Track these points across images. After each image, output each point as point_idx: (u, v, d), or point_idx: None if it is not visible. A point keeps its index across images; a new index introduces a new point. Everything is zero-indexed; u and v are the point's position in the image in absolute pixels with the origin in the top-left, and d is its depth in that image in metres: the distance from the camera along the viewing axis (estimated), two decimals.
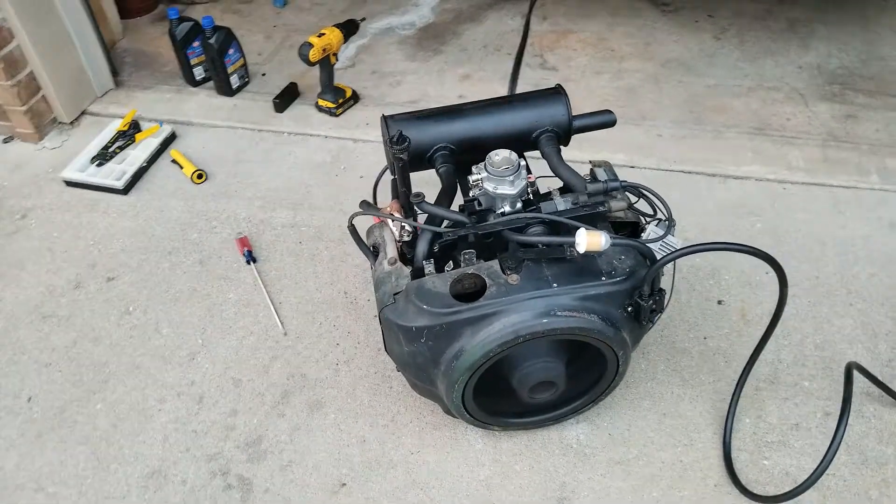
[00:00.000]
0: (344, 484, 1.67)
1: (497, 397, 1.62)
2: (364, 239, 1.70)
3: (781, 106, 2.60)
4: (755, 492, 1.58)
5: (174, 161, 2.50)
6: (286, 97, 2.69)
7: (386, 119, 1.70)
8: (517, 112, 1.73)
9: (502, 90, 2.72)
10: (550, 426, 1.73)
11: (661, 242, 1.54)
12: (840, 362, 1.81)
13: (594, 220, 1.54)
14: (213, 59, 2.67)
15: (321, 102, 2.64)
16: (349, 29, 2.58)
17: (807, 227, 2.15)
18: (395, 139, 1.56)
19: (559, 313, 1.44)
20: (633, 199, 1.64)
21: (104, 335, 2.00)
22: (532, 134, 1.72)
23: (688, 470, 1.65)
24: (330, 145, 2.57)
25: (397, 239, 1.62)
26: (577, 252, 1.39)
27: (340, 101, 2.63)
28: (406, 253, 1.62)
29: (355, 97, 2.70)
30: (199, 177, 2.43)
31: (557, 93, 1.75)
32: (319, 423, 1.78)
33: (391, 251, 1.60)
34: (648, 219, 1.61)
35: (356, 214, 1.63)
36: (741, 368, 1.78)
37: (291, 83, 2.75)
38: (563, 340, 1.53)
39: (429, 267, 1.54)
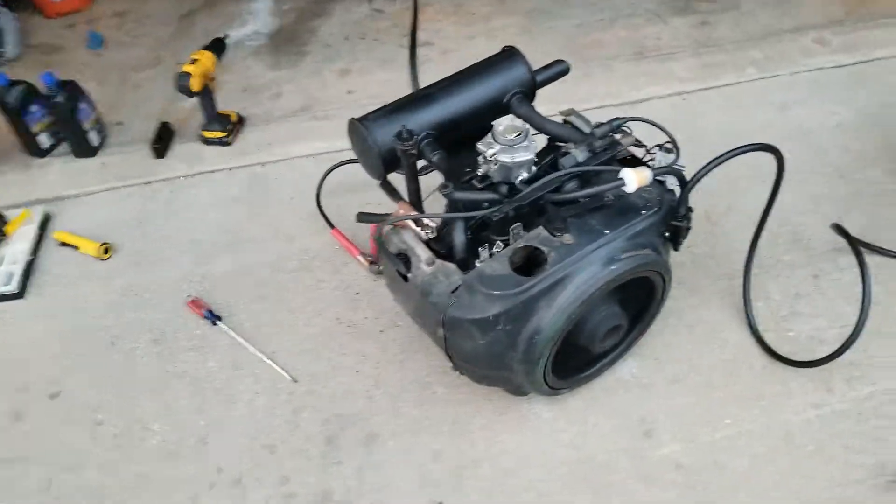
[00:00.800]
0: (440, 502, 1.57)
1: (565, 359, 1.61)
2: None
3: (645, 29, 2.78)
4: (799, 360, 1.73)
5: (64, 244, 2.14)
6: (164, 140, 2.41)
7: (359, 122, 1.59)
8: (484, 82, 1.69)
9: (389, 76, 2.64)
10: (605, 372, 1.76)
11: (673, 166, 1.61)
12: (800, 232, 2.01)
13: (614, 161, 1.57)
14: (64, 120, 2.31)
15: (208, 134, 2.40)
16: (219, 49, 2.36)
17: (717, 127, 2.33)
18: (403, 136, 1.47)
19: (621, 256, 1.46)
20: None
21: (83, 459, 1.69)
22: (503, 99, 1.70)
23: (734, 365, 1.75)
24: (237, 176, 2.34)
25: (424, 238, 1.53)
26: (628, 192, 1.41)
27: (229, 127, 2.41)
28: (438, 249, 1.54)
29: (241, 120, 2.49)
30: (106, 251, 2.11)
31: (513, 55, 1.74)
32: (382, 455, 1.65)
33: (423, 252, 1.51)
34: (652, 146, 1.66)
35: (382, 224, 1.52)
36: (729, 264, 1.93)
37: (163, 123, 2.46)
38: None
39: (484, 253, 1.47)
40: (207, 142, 2.41)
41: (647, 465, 1.59)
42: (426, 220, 1.51)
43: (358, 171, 2.21)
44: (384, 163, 1.59)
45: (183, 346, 1.89)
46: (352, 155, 2.25)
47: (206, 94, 2.30)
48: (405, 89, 2.57)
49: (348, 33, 2.91)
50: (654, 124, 1.61)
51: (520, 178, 1.52)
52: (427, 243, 1.53)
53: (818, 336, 1.79)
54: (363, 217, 1.67)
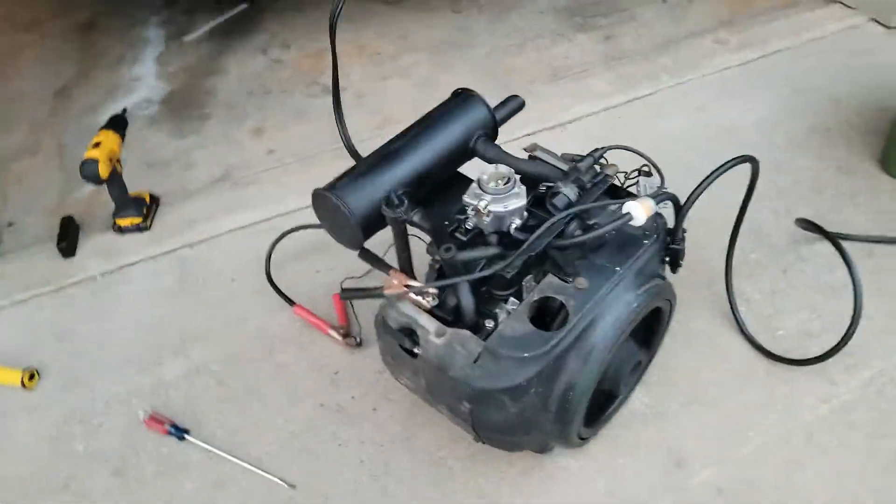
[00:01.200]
0: None
1: (591, 406, 1.52)
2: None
3: (554, 49, 2.79)
4: (798, 358, 1.73)
5: None
6: (70, 236, 2.11)
7: (327, 192, 1.44)
8: (447, 129, 1.60)
9: (307, 129, 2.48)
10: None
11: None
12: (758, 229, 2.04)
13: (608, 194, 1.51)
14: None
15: (122, 222, 2.13)
16: (120, 126, 2.11)
17: (649, 136, 2.35)
18: (393, 203, 1.34)
19: (639, 292, 1.40)
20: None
21: None
22: (468, 143, 1.61)
23: (739, 375, 1.73)
24: (165, 264, 2.09)
25: (427, 307, 1.40)
26: (637, 225, 1.36)
27: (145, 210, 2.16)
28: (443, 316, 1.41)
29: (155, 200, 2.24)
30: (31, 378, 1.81)
31: (471, 97, 1.65)
32: None
33: (430, 323, 1.37)
34: (632, 171, 1.61)
35: (386, 299, 1.37)
36: (706, 272, 1.93)
37: (64, 218, 2.17)
38: None
39: (501, 313, 1.36)
40: (122, 230, 2.15)
41: (690, 496, 1.53)
42: (429, 288, 1.38)
43: (302, 237, 2.07)
44: (364, 231, 1.46)
45: (150, 472, 1.64)
46: (295, 220, 2.11)
47: (114, 179, 2.05)
48: (330, 142, 2.44)
49: (250, 88, 2.72)
50: (636, 152, 1.56)
51: (513, 225, 1.43)
52: (430, 311, 1.41)
53: (805, 330, 1.81)
54: (349, 294, 1.52)
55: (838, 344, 1.65)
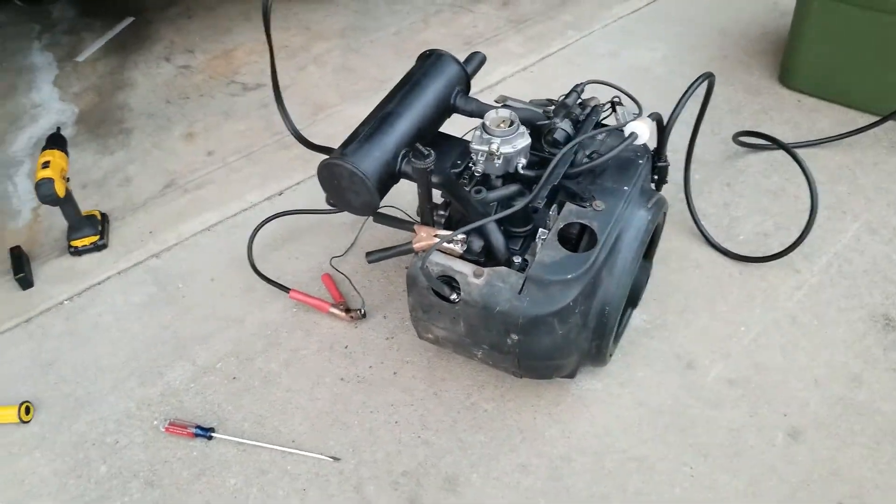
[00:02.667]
0: None
1: None
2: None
3: (459, 20, 2.89)
4: (764, 255, 1.91)
5: None
6: (24, 267, 1.96)
7: (338, 160, 1.46)
8: (431, 87, 1.67)
9: (241, 126, 2.45)
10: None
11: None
12: (696, 151, 2.21)
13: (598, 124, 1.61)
14: None
15: (78, 243, 2.01)
16: (62, 144, 1.99)
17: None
18: (423, 154, 1.37)
19: (648, 206, 1.51)
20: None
21: None
22: (450, 100, 1.68)
23: (718, 279, 1.89)
24: (135, 277, 2.00)
25: (458, 253, 1.44)
26: (642, 142, 1.47)
27: (100, 228, 2.05)
28: (474, 260, 1.46)
29: (105, 217, 2.12)
30: (28, 411, 1.69)
31: (442, 56, 1.72)
32: (473, 492, 1.53)
33: (466, 267, 1.43)
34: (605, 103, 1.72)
35: (422, 258, 1.40)
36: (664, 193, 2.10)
37: (12, 248, 2.01)
38: None
39: (539, 243, 1.43)
40: (80, 251, 2.02)
41: (707, 392, 1.67)
42: (458, 235, 1.43)
43: (270, 229, 2.05)
44: (380, 193, 1.49)
45: (186, 476, 1.58)
46: (261, 212, 2.10)
47: (68, 198, 1.94)
48: (268, 134, 2.42)
49: (166, 97, 2.62)
50: (610, 84, 1.67)
51: (519, 165, 1.51)
52: (461, 258, 1.45)
53: (762, 231, 2.01)
54: (375, 256, 1.53)
55: (800, 236, 1.85)
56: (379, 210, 1.57)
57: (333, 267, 1.96)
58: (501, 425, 1.64)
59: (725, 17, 2.80)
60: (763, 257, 1.91)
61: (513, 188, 1.45)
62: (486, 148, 1.45)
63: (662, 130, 1.62)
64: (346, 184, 1.49)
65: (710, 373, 1.71)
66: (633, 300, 1.62)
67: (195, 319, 1.89)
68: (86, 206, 2.15)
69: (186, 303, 1.93)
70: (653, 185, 1.70)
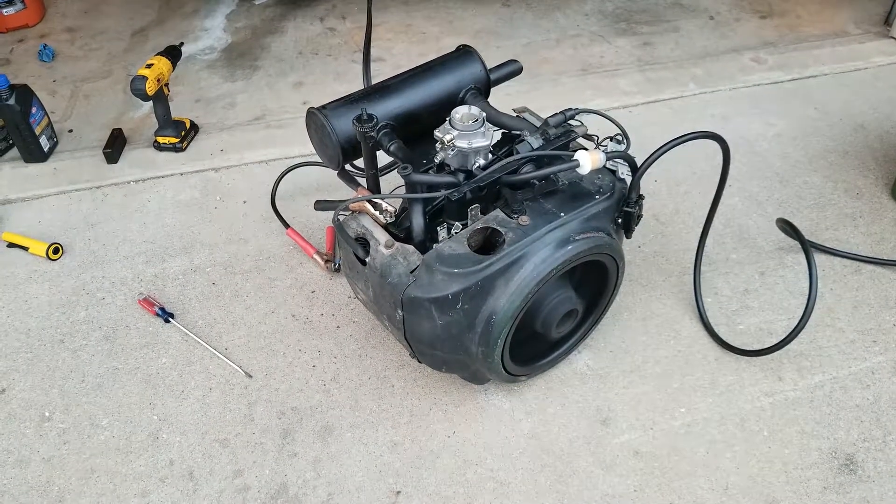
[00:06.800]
0: (398, 491, 1.54)
1: (523, 345, 1.62)
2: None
3: (591, 48, 2.90)
4: (751, 349, 1.77)
5: (12, 245, 2.08)
6: (116, 146, 2.37)
7: (317, 111, 1.61)
8: (439, 77, 1.74)
9: (343, 88, 2.65)
10: (560, 363, 1.76)
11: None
12: (746, 232, 2.09)
13: (568, 148, 1.61)
14: (16, 124, 2.26)
15: (161, 140, 2.38)
16: (174, 55, 2.35)
17: (662, 136, 2.38)
18: (363, 119, 1.49)
19: (576, 238, 1.49)
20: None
21: (28, 453, 1.62)
22: (459, 94, 1.75)
23: (688, 356, 1.79)
24: (191, 181, 2.32)
25: (382, 222, 1.54)
26: (582, 173, 1.45)
27: (183, 133, 2.39)
28: (396, 233, 1.54)
29: (195, 127, 2.47)
30: (56, 251, 2.05)
31: (468, 52, 1.79)
32: (339, 447, 1.62)
33: (382, 235, 1.51)
34: (603, 138, 1.71)
35: (339, 212, 1.50)
36: (679, 262, 1.99)
37: (115, 129, 2.43)
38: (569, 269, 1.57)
39: (442, 233, 1.49)
40: (161, 147, 2.39)
41: (607, 452, 1.60)
42: (385, 205, 1.52)
43: (311, 174, 2.25)
44: (343, 152, 1.61)
45: (134, 343, 1.84)
46: (308, 158, 2.29)
47: (160, 99, 2.29)
48: None
49: (301, 49, 2.95)
50: (605, 116, 1.67)
51: (476, 164, 1.55)
52: (385, 227, 1.54)
53: (767, 328, 1.84)
54: (321, 204, 1.67)
55: (783, 340, 1.69)
56: (349, 170, 1.69)
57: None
58: (398, 403, 1.70)
59: (872, 114, 2.53)
60: (743, 350, 1.76)
61: (446, 178, 1.50)
62: (441, 136, 1.52)
63: (634, 174, 1.57)
64: (321, 135, 1.63)
65: (620, 436, 1.63)
66: (545, 331, 1.58)
67: (213, 229, 2.15)
68: (189, 115, 2.52)
69: (216, 214, 2.20)
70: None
